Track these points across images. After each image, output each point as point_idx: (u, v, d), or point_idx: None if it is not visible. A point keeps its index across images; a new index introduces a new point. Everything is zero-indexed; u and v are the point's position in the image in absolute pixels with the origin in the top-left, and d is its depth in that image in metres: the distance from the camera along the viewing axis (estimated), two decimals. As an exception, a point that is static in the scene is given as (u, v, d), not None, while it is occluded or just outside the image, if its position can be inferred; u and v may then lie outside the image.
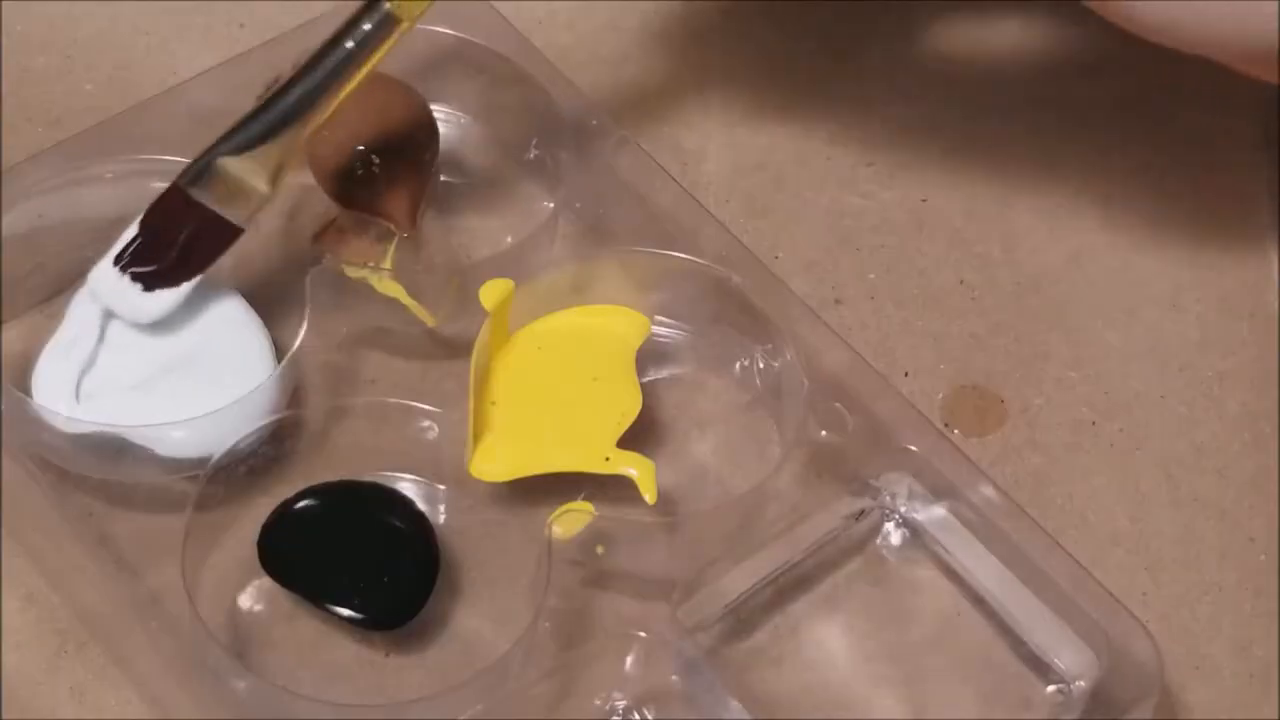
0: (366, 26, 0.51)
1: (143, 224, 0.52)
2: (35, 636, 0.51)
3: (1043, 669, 0.51)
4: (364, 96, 0.53)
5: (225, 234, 0.52)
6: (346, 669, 0.50)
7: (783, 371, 0.54)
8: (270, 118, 0.52)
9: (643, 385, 0.54)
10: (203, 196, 0.51)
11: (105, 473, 0.51)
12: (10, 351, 0.54)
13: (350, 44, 0.51)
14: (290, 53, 0.56)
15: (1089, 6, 0.50)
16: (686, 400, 0.55)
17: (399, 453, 0.53)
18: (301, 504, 0.51)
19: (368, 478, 0.52)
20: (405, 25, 0.51)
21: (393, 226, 0.56)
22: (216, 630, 0.50)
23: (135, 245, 0.51)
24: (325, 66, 0.52)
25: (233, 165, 0.51)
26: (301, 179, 0.56)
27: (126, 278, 0.52)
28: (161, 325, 0.53)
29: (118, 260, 0.52)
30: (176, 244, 0.52)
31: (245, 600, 0.51)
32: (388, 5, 0.51)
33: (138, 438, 0.51)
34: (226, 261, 0.56)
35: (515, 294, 0.53)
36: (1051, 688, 0.51)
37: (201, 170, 0.52)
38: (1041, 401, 0.57)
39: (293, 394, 0.53)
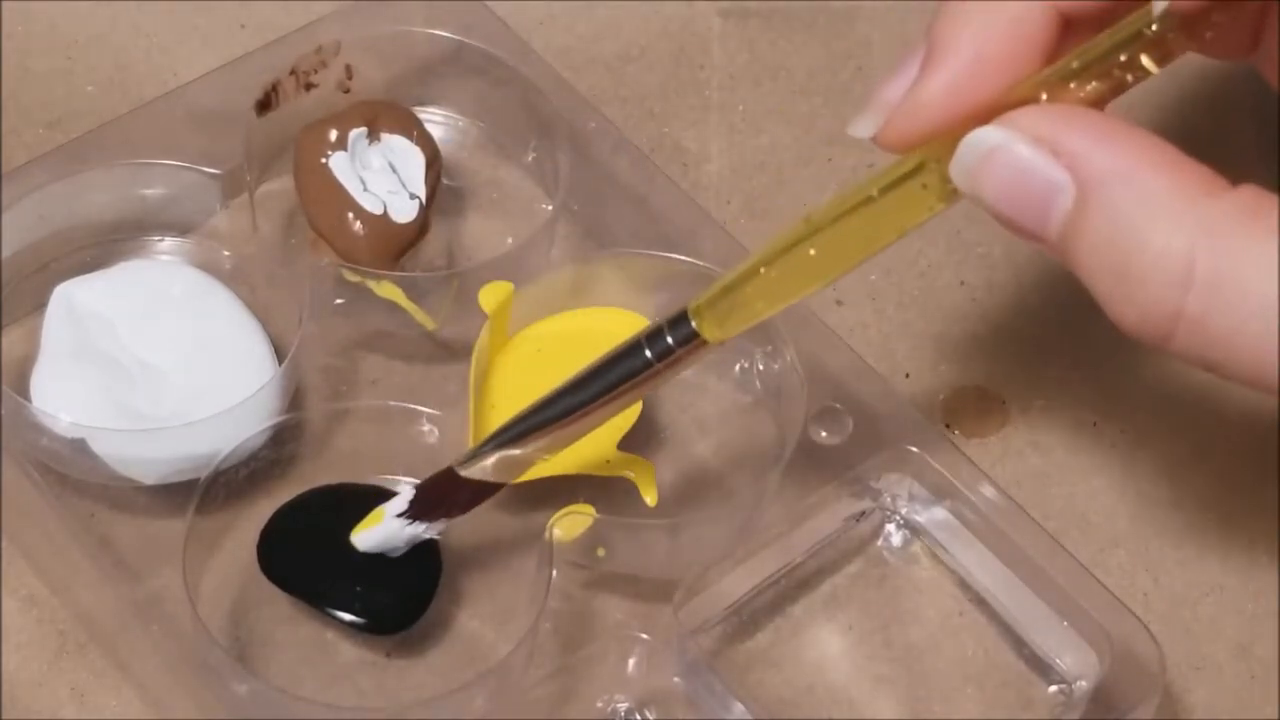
0: (669, 340, 0.46)
1: (417, 493, 0.50)
2: (36, 637, 0.51)
3: (1044, 669, 0.51)
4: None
5: (490, 491, 0.50)
6: (348, 671, 0.50)
7: (783, 373, 0.54)
8: (547, 415, 0.48)
9: (643, 387, 0.54)
10: (471, 472, 0.49)
11: (105, 477, 0.51)
12: (10, 355, 0.54)
13: (649, 354, 0.46)
14: (291, 54, 0.56)
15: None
16: (686, 402, 0.55)
17: (400, 455, 0.52)
18: (302, 507, 0.51)
19: (368, 481, 0.52)
20: (710, 347, 0.46)
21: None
22: (217, 632, 0.50)
23: (410, 509, 0.50)
24: (616, 371, 0.47)
25: (502, 454, 0.49)
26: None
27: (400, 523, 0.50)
28: (161, 328, 0.53)
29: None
30: (445, 504, 0.50)
31: (246, 602, 0.51)
32: (693, 323, 0.45)
33: (137, 442, 0.50)
34: (226, 264, 0.56)
35: (515, 296, 0.53)
36: (1053, 688, 0.51)
37: (473, 456, 0.49)
38: (1042, 402, 0.57)
39: (293, 397, 0.53)
